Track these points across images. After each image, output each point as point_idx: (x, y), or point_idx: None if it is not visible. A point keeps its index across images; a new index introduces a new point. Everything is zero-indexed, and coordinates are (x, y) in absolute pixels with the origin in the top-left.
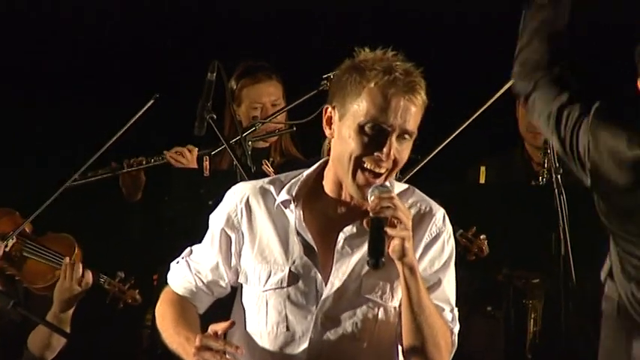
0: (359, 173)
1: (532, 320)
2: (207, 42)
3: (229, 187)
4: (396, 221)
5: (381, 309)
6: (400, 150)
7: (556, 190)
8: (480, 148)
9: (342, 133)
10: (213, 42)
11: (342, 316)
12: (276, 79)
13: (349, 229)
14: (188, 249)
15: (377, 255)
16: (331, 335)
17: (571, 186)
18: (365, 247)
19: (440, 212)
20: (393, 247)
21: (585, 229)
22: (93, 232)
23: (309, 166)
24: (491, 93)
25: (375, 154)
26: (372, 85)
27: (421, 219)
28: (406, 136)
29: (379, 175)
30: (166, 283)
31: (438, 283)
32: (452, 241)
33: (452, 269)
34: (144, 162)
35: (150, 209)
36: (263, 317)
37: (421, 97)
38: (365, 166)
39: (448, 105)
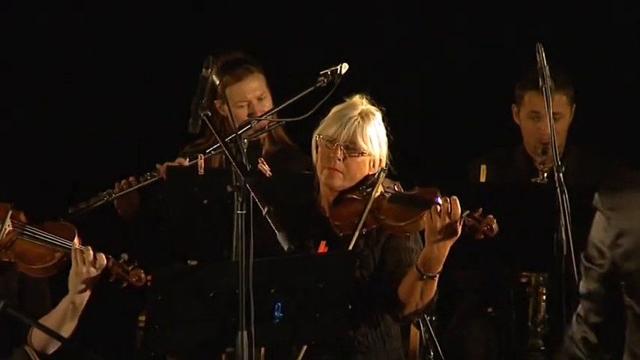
0: None
1: (534, 321)
2: (199, 37)
3: (223, 186)
4: None
5: None
6: None
7: (558, 189)
8: (480, 147)
9: None
10: (205, 37)
11: None
12: (256, 70)
13: None
14: None
15: None
16: None
17: (573, 185)
18: None
19: None
20: None
21: (588, 229)
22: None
23: (302, 154)
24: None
25: None
26: None
27: None
28: None
29: None
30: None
31: None
32: None
33: None
34: (134, 183)
35: (143, 208)
36: None
37: None
38: None
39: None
